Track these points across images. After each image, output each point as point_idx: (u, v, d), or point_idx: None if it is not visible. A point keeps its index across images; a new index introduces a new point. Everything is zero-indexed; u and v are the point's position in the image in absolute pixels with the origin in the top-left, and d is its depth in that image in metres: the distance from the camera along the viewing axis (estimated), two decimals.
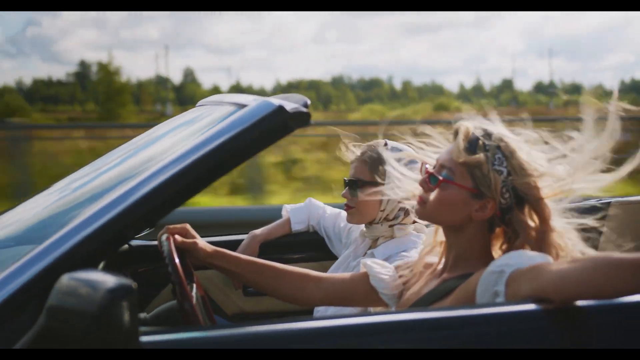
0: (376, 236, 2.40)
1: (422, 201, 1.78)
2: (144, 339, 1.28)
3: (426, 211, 1.77)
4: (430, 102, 35.82)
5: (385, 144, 2.40)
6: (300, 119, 1.60)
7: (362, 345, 1.38)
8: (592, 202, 2.60)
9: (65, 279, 1.25)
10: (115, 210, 1.44)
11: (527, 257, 1.57)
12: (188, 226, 1.92)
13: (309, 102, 1.69)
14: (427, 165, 1.81)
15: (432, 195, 1.75)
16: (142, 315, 1.81)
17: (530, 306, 1.46)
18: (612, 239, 2.55)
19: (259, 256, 2.64)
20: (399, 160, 2.33)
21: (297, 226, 2.73)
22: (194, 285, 1.91)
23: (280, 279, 1.94)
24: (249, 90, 65.15)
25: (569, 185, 1.70)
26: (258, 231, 2.69)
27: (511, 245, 1.72)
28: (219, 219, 6.23)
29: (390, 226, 2.37)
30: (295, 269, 1.97)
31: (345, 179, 2.43)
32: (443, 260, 1.83)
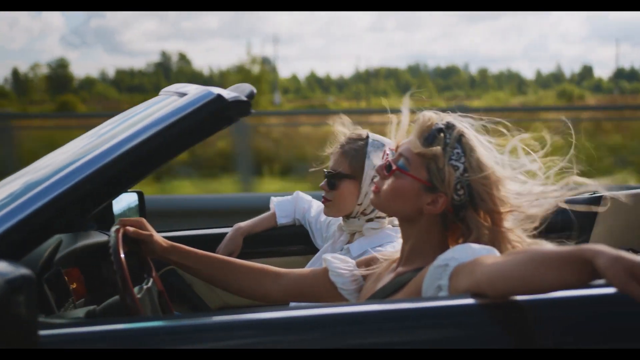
0: (353, 230, 2.34)
1: (377, 189, 1.72)
2: (44, 332, 1.25)
3: (379, 200, 1.72)
4: (551, 89, 34.81)
5: (367, 137, 2.32)
6: (239, 109, 1.57)
7: (290, 339, 1.34)
8: (585, 195, 2.48)
9: None
10: (40, 202, 1.43)
11: (472, 250, 1.50)
12: (144, 220, 1.89)
13: (254, 92, 1.65)
14: (388, 153, 1.75)
15: (386, 184, 1.69)
16: (92, 307, 1.79)
17: (469, 301, 1.39)
18: (603, 234, 2.44)
19: (244, 249, 2.61)
20: (377, 154, 2.25)
21: (282, 219, 2.68)
22: (151, 280, 1.88)
23: (237, 274, 1.90)
24: (326, 80, 61.78)
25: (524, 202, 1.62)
26: (243, 224, 2.65)
27: (466, 241, 1.64)
28: None
29: (368, 220, 2.30)
30: (253, 264, 1.92)
31: (325, 170, 2.37)
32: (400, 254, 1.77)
